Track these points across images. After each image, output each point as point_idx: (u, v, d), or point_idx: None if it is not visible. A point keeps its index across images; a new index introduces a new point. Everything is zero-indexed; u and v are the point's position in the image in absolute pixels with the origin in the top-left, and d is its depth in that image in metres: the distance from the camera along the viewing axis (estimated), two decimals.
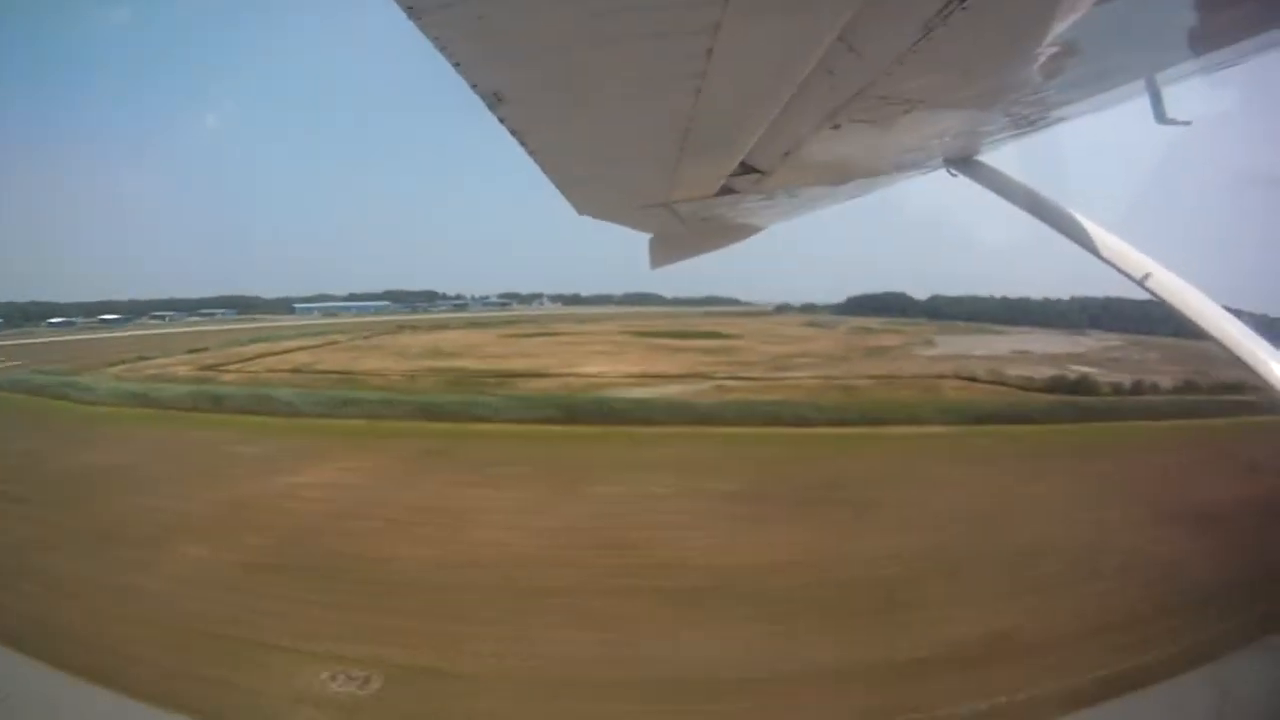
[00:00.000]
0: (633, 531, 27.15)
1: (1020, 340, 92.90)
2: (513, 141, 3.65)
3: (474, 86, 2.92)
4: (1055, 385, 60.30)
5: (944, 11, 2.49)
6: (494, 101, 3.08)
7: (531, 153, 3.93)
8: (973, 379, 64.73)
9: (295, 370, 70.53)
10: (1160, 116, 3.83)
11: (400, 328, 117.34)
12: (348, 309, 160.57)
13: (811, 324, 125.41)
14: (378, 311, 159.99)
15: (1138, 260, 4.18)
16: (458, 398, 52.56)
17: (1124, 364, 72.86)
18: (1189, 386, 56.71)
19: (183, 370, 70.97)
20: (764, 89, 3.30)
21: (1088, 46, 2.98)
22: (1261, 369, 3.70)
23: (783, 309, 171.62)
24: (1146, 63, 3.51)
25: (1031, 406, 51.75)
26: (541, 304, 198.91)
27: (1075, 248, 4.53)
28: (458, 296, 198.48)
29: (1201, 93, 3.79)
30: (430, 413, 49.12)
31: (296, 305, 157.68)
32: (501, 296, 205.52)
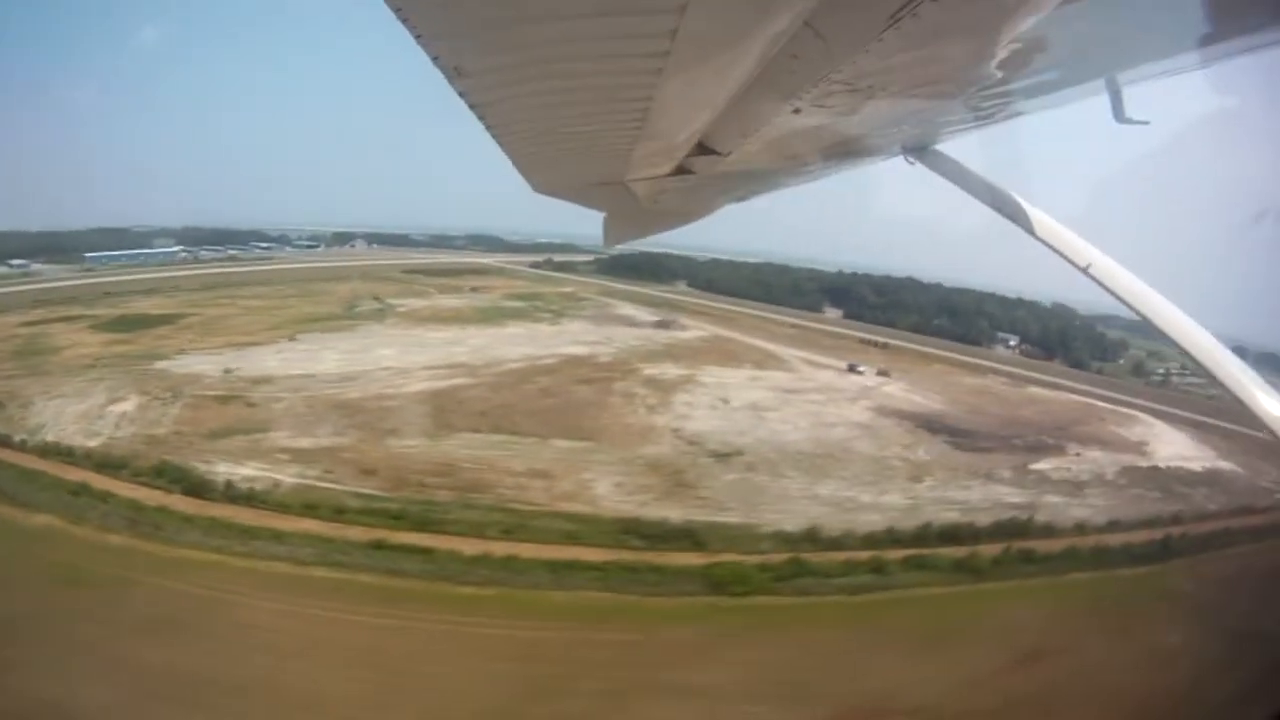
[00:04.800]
0: None
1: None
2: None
3: (435, 59, 2.80)
4: None
5: (911, 4, 2.47)
6: (454, 75, 2.96)
7: (490, 128, 3.81)
8: None
9: None
10: (1119, 115, 3.93)
11: None
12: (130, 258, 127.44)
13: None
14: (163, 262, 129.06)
15: (1083, 249, 4.32)
16: None
17: None
18: None
19: None
20: (727, 71, 3.25)
21: (1051, 44, 3.01)
22: (1203, 357, 3.87)
23: (544, 264, 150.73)
24: (1108, 63, 3.58)
25: None
26: (353, 247, 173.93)
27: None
28: (280, 237, 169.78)
29: (1162, 94, 3.90)
30: None
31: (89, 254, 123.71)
32: (336, 235, 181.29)
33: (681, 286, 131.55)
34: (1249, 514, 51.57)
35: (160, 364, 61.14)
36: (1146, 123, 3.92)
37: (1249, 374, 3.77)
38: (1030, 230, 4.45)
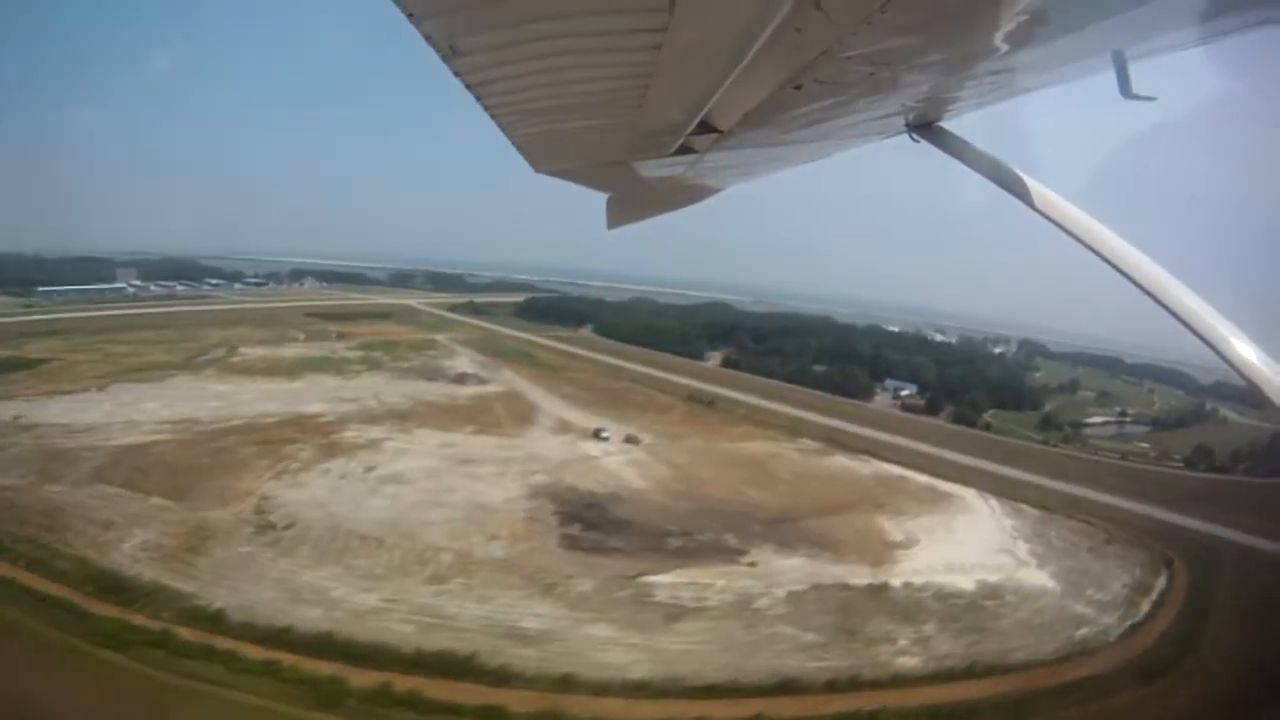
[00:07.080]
0: None
1: None
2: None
3: (428, 39, 2.74)
4: None
5: None
6: (449, 54, 2.91)
7: (488, 109, 3.76)
8: None
9: None
10: (1126, 91, 3.84)
11: None
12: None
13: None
14: (106, 298, 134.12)
15: (1093, 230, 4.25)
16: None
17: None
18: None
19: None
20: (727, 45, 3.18)
21: (1056, 16, 2.93)
22: (1217, 341, 3.80)
23: (463, 306, 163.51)
24: (1115, 37, 3.49)
25: None
26: (302, 285, 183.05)
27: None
28: (234, 273, 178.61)
29: (1169, 70, 3.81)
30: None
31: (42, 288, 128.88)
32: (291, 272, 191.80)
33: (585, 332, 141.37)
34: (952, 680, 34.81)
35: None
36: (1153, 98, 3.84)
37: (1263, 359, 3.69)
38: (1036, 208, 4.38)
